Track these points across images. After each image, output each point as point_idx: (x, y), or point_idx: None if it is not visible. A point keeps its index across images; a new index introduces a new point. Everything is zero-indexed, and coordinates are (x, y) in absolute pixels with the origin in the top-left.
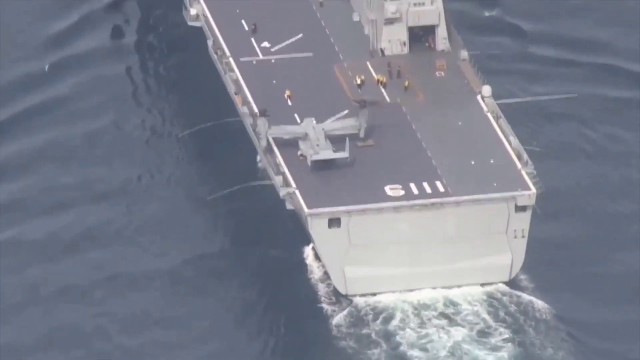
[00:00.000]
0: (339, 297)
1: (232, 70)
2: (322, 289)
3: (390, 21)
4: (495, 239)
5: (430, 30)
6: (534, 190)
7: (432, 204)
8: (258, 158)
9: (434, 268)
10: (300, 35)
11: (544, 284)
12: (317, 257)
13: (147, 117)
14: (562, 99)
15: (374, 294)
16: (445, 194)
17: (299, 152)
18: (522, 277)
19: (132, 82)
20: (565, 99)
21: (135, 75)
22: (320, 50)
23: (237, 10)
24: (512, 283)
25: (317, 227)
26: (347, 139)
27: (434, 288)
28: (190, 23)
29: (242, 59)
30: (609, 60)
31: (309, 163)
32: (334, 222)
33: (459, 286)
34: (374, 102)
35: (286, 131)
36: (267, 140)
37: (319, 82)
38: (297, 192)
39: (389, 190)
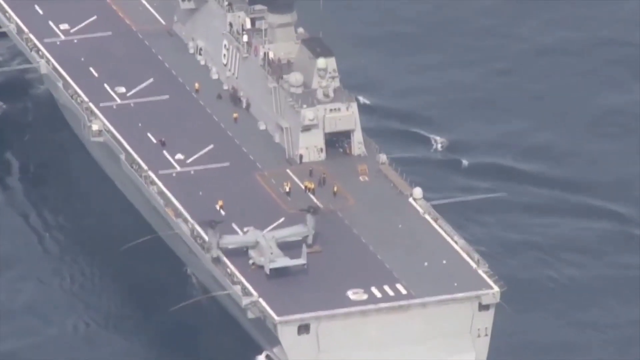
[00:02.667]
0: None
1: (153, 183)
2: None
3: (307, 128)
4: (459, 338)
5: (345, 135)
6: (497, 288)
7: (400, 307)
8: (188, 270)
9: None
10: (211, 146)
11: None
12: None
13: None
14: (492, 198)
15: None
16: (409, 296)
17: (251, 262)
18: None
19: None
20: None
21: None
22: (235, 160)
23: (140, 125)
24: None
25: (287, 334)
26: (304, 245)
27: None
28: (92, 139)
29: (160, 172)
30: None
31: (267, 271)
32: (303, 328)
33: None
34: (319, 209)
35: (237, 241)
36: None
37: (247, 191)
38: (260, 300)
39: (351, 294)
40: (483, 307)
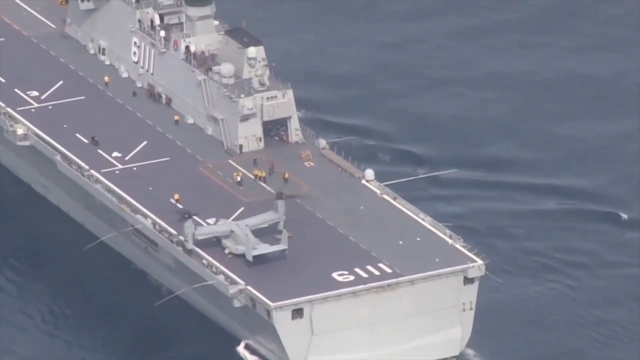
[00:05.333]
0: None
1: (98, 181)
2: None
3: (245, 117)
4: (446, 313)
5: (281, 123)
6: (481, 261)
7: (389, 285)
8: (138, 267)
9: (393, 348)
10: (145, 143)
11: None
12: (254, 353)
13: None
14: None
15: None
16: (395, 274)
17: (227, 251)
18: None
19: None
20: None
21: None
22: (174, 155)
23: (65, 126)
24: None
25: (281, 319)
26: (285, 231)
27: None
28: (19, 143)
29: (103, 170)
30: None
31: (249, 259)
32: (297, 312)
33: None
34: (293, 195)
35: (212, 231)
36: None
37: (197, 184)
38: (249, 288)
39: (338, 277)
40: (468, 281)
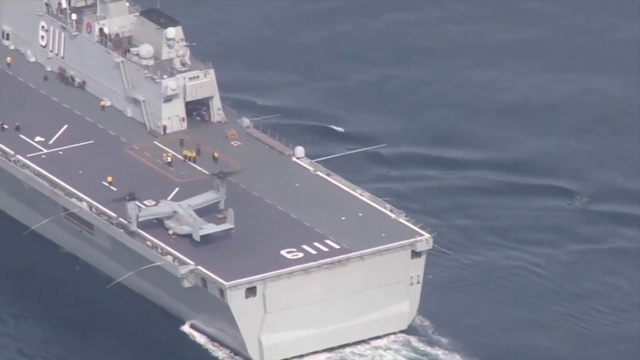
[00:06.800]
0: None
1: (26, 166)
2: None
3: (168, 98)
4: (395, 287)
5: (202, 103)
6: (428, 235)
7: (339, 261)
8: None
9: (343, 324)
10: (66, 127)
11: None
12: (200, 332)
13: None
14: (374, 149)
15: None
16: (344, 250)
17: (171, 232)
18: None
19: None
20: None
21: None
22: (98, 137)
23: None
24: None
25: (234, 298)
26: (231, 210)
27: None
28: None
29: (29, 155)
30: None
31: (197, 239)
32: (250, 291)
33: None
34: (233, 172)
35: (155, 212)
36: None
37: (127, 166)
38: (200, 267)
39: (286, 254)
40: (416, 255)
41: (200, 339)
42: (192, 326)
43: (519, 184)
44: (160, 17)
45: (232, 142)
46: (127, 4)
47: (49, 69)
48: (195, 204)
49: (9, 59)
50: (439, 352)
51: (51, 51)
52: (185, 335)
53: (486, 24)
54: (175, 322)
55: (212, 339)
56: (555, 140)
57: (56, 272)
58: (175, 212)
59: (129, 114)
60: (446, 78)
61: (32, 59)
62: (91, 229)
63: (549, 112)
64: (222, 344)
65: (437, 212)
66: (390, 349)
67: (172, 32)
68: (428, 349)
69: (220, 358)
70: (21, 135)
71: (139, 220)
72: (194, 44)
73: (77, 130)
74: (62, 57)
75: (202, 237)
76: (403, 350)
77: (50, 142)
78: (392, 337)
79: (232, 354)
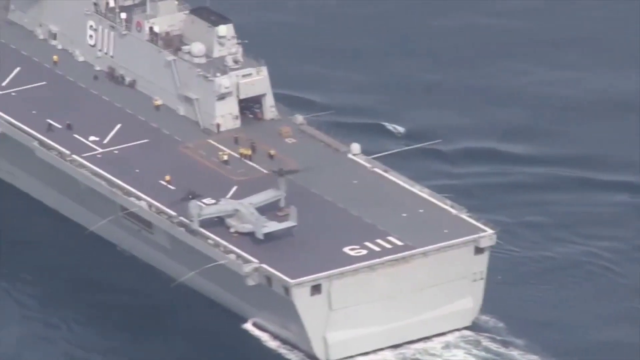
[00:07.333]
0: None
1: (82, 166)
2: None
3: (222, 96)
4: (458, 284)
5: (254, 101)
6: (492, 231)
7: (403, 258)
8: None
9: (407, 321)
10: (119, 126)
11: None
12: (262, 330)
13: None
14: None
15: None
16: (407, 247)
17: (232, 230)
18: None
19: None
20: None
21: None
22: (152, 136)
23: (34, 112)
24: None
25: (300, 296)
26: (294, 207)
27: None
28: None
29: (84, 155)
30: None
31: (260, 237)
32: (315, 289)
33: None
34: (293, 171)
35: (217, 211)
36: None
37: (183, 165)
38: (264, 266)
39: (350, 251)
40: (479, 251)
41: (263, 336)
42: (254, 324)
43: (588, 179)
44: (210, 15)
45: (286, 140)
46: (176, 2)
47: (97, 68)
48: (256, 201)
49: (55, 57)
50: (514, 352)
51: (100, 50)
52: (247, 333)
53: (546, 19)
54: (237, 320)
55: (275, 336)
56: (625, 136)
57: (114, 272)
58: (237, 210)
59: (181, 113)
60: (510, 75)
61: (81, 59)
62: (150, 228)
63: (617, 108)
64: (285, 341)
65: (499, 208)
66: (459, 347)
67: (223, 29)
68: (502, 349)
69: (282, 354)
70: (75, 135)
71: (201, 218)
72: (246, 41)
73: (130, 129)
74: (112, 56)
75: (264, 235)
76: (473, 350)
77: (105, 141)
78: (457, 334)
79: (294, 351)
